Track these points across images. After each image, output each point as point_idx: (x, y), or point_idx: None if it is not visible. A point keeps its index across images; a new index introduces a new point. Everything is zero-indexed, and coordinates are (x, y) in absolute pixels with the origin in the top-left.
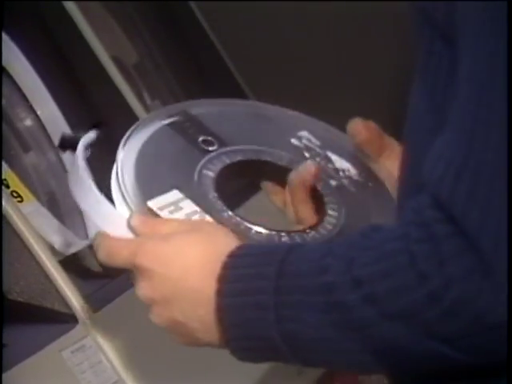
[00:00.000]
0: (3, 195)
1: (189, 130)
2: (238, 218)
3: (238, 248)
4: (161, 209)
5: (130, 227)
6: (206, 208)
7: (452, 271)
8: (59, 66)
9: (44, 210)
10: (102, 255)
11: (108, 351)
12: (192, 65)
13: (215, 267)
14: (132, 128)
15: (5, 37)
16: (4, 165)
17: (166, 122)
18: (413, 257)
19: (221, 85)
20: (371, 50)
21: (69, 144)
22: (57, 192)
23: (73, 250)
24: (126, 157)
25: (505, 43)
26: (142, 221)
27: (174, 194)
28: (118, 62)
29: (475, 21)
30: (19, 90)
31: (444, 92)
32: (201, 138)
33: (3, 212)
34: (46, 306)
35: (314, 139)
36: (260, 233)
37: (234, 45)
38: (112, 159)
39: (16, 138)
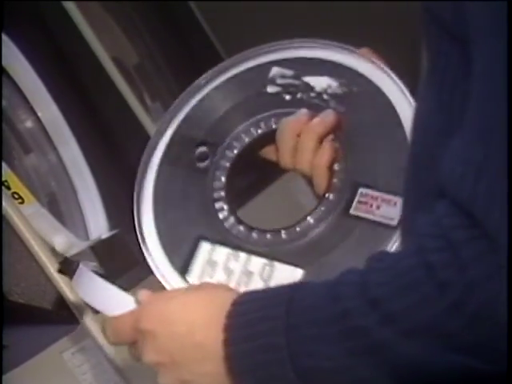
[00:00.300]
0: (4, 196)
1: (181, 154)
2: (265, 233)
3: (241, 296)
4: (201, 277)
5: (138, 302)
6: (233, 241)
7: (474, 275)
8: (60, 68)
9: (45, 212)
10: (110, 336)
11: (109, 352)
12: (192, 66)
13: (220, 318)
14: (135, 196)
15: (5, 38)
16: (5, 166)
17: (159, 157)
18: (430, 268)
19: None
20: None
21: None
22: (57, 193)
23: (73, 252)
24: (147, 236)
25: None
26: (148, 294)
27: (203, 248)
28: (118, 63)
29: (486, 20)
30: (20, 91)
31: (452, 92)
32: (196, 154)
33: (4, 213)
34: (47, 308)
35: (286, 72)
36: (291, 229)
37: (234, 45)
38: (114, 161)
39: (17, 140)
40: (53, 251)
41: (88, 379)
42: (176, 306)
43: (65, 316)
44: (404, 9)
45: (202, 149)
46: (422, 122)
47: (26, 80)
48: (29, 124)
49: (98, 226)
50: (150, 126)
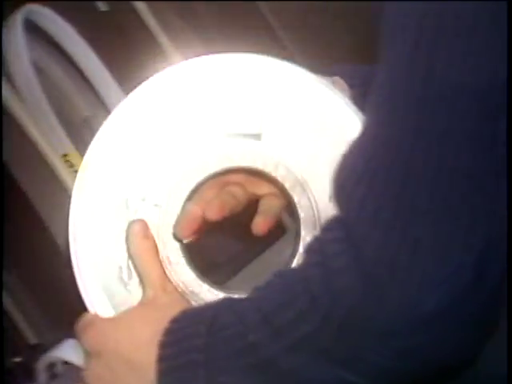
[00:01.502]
0: None
1: None
2: None
3: (179, 313)
4: None
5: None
6: None
7: (337, 286)
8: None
9: None
10: None
11: None
12: None
13: (159, 336)
14: None
15: (99, 63)
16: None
17: None
18: (307, 282)
19: None
20: None
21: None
22: None
23: None
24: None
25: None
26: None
27: None
28: None
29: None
30: (104, 106)
31: None
32: None
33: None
34: None
35: None
36: None
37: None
38: None
39: None
40: None
41: None
42: (123, 325)
43: None
44: None
45: None
46: None
47: (110, 94)
48: None
49: None
50: None
